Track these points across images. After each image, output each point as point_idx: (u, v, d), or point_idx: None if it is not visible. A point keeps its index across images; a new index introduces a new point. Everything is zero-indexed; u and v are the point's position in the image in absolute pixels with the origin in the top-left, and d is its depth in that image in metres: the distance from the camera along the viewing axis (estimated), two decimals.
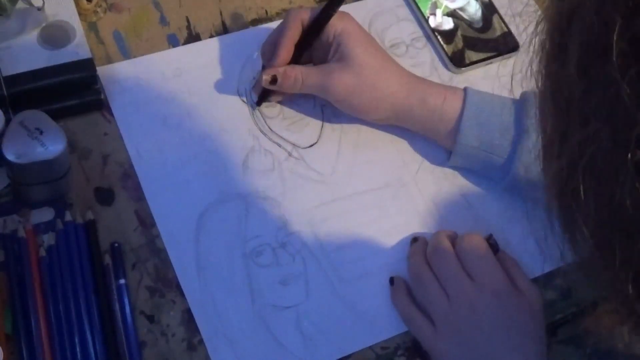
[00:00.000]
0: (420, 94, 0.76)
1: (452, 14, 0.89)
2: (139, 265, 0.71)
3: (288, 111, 0.81)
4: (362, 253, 0.75)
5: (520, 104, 0.76)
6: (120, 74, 0.80)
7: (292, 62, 0.77)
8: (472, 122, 0.75)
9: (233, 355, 0.69)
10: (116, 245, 0.71)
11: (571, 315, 0.77)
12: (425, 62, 0.86)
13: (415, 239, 0.75)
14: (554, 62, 0.39)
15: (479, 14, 0.89)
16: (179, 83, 0.81)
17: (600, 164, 0.35)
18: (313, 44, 0.78)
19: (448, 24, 0.88)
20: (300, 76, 0.76)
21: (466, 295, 0.68)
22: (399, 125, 0.80)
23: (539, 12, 0.42)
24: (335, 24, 0.76)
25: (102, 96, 0.78)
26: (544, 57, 0.40)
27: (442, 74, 0.86)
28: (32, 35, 0.76)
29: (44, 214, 0.72)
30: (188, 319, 0.70)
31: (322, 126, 0.81)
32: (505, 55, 0.88)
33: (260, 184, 0.77)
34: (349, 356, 0.71)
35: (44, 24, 0.77)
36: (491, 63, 0.87)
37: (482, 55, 0.87)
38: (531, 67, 0.42)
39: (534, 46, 0.41)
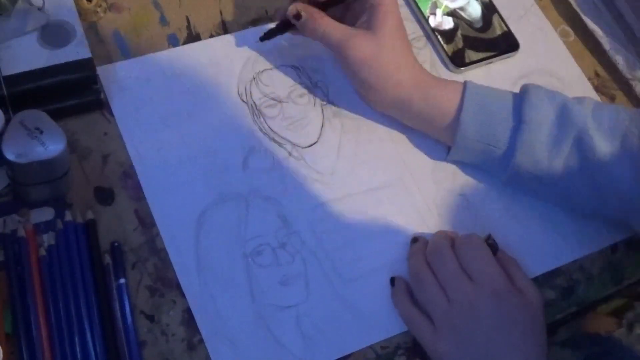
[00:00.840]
0: (425, 87, 0.77)
1: (452, 13, 0.89)
2: (139, 265, 0.71)
3: (288, 111, 0.81)
4: (362, 253, 0.75)
5: (519, 97, 0.76)
6: (120, 74, 0.80)
7: (323, 8, 0.78)
8: (471, 115, 0.75)
9: (233, 355, 0.69)
10: (116, 245, 0.71)
11: (571, 315, 0.77)
12: (425, 62, 0.86)
13: (415, 239, 0.75)
14: None
15: (479, 14, 0.89)
16: (179, 83, 0.81)
17: None
18: (348, 2, 0.78)
19: (448, 23, 0.88)
20: (324, 27, 0.76)
21: (465, 296, 0.68)
22: (397, 117, 0.80)
23: None
24: None
25: (102, 96, 0.78)
26: None
27: (442, 74, 0.86)
28: (32, 35, 0.76)
29: (44, 214, 0.72)
30: (188, 319, 0.70)
31: (322, 126, 0.81)
32: (505, 55, 0.88)
33: (260, 184, 0.77)
34: (349, 356, 0.71)
35: (44, 24, 0.77)
36: (491, 63, 0.87)
37: (482, 55, 0.87)
38: None
39: None
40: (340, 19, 0.79)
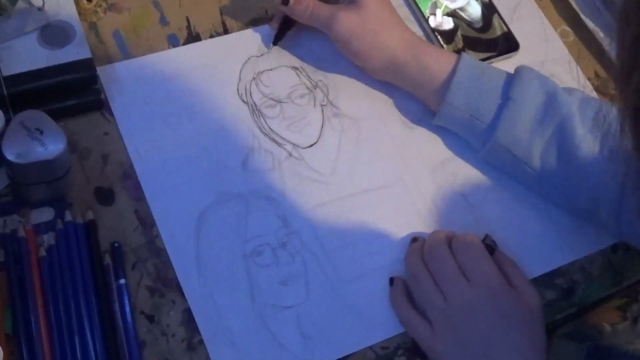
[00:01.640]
0: (417, 51, 0.79)
1: (452, 14, 0.89)
2: (139, 265, 0.71)
3: (288, 111, 0.81)
4: (362, 253, 0.75)
5: (512, 76, 0.78)
6: (120, 74, 0.80)
7: None
8: (461, 84, 0.77)
9: (233, 355, 0.68)
10: (116, 245, 0.71)
11: (571, 315, 0.77)
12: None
13: (415, 239, 0.75)
14: None
15: (479, 14, 0.89)
16: (179, 83, 0.81)
17: None
18: None
19: (448, 24, 0.88)
20: (311, 5, 0.80)
21: (462, 295, 0.68)
22: (391, 81, 0.82)
23: None
24: None
25: (102, 96, 0.78)
26: None
27: None
28: (32, 35, 0.76)
29: (44, 214, 0.72)
30: (188, 319, 0.70)
31: (322, 126, 0.81)
32: (505, 55, 0.88)
33: (260, 183, 0.77)
34: (349, 356, 0.71)
35: (44, 24, 0.77)
36: (491, 63, 0.87)
37: (482, 55, 0.87)
38: None
39: None
40: (326, 1, 0.81)
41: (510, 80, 0.77)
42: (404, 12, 0.89)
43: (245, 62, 0.83)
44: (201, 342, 0.69)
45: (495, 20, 0.89)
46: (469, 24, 0.89)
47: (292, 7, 0.81)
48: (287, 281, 0.73)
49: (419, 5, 0.89)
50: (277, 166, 0.78)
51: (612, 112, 0.75)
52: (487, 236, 0.75)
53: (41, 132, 0.67)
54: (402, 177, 0.80)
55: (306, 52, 0.84)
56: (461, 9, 0.90)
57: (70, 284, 0.68)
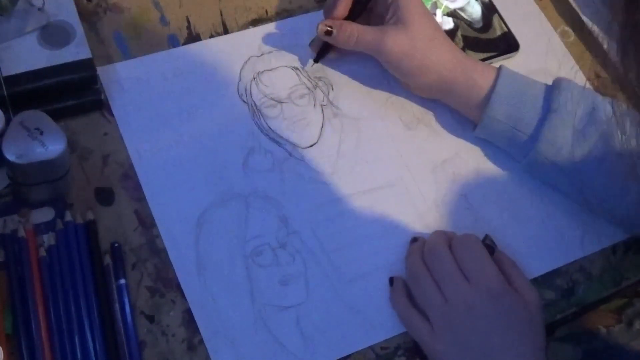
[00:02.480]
0: (465, 68, 0.78)
1: (452, 14, 0.89)
2: (139, 265, 0.71)
3: (288, 111, 0.81)
4: (362, 253, 0.75)
5: (551, 87, 0.78)
6: (120, 74, 0.80)
7: (350, 19, 0.80)
8: (502, 96, 0.77)
9: (233, 355, 0.69)
10: (116, 245, 0.71)
11: (571, 315, 0.77)
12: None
13: (415, 239, 0.75)
14: None
15: (479, 14, 0.89)
16: (179, 83, 0.81)
17: None
18: (372, 5, 0.81)
19: (448, 24, 0.88)
20: (356, 32, 0.79)
21: (462, 296, 0.68)
22: (438, 98, 0.82)
23: None
24: None
25: (102, 96, 0.78)
26: None
27: None
28: (32, 35, 0.76)
29: (44, 214, 0.72)
30: (188, 319, 0.70)
31: (322, 126, 0.81)
32: (505, 55, 0.88)
33: (260, 184, 0.77)
34: (349, 356, 0.71)
35: (44, 24, 0.77)
36: (491, 63, 0.87)
37: (482, 55, 0.87)
38: None
39: None
40: (368, 24, 0.80)
41: (550, 91, 0.77)
42: None
43: (245, 62, 0.83)
44: (201, 342, 0.69)
45: (495, 20, 0.89)
46: (469, 24, 0.89)
47: (336, 36, 0.79)
48: (287, 281, 0.73)
49: None
50: (277, 166, 0.78)
51: None
52: (487, 236, 0.75)
53: (41, 132, 0.67)
54: (402, 177, 0.80)
55: (306, 52, 0.84)
56: (461, 9, 0.90)
57: (70, 284, 0.68)
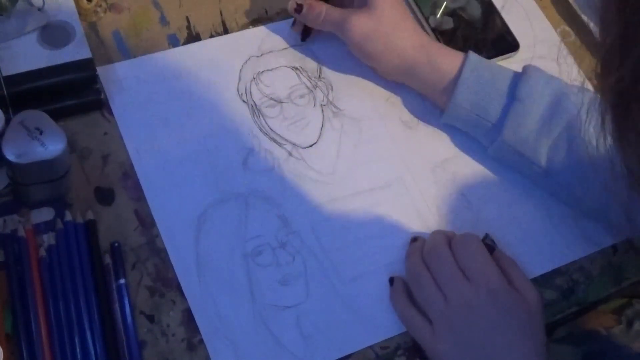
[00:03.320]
0: (429, 52, 0.79)
1: (452, 14, 0.89)
2: (139, 265, 0.71)
3: (288, 111, 0.81)
4: (362, 253, 0.75)
5: (519, 75, 0.78)
6: (120, 74, 0.80)
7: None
8: (467, 84, 0.77)
9: (233, 355, 0.69)
10: (116, 245, 0.71)
11: (571, 315, 0.77)
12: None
13: (415, 239, 0.75)
14: None
15: (479, 14, 0.89)
16: (179, 83, 0.81)
17: None
18: None
19: (448, 24, 0.88)
20: (324, 11, 0.80)
21: (462, 295, 0.68)
22: (403, 81, 0.82)
23: None
24: None
25: (102, 96, 0.78)
26: None
27: None
28: (32, 35, 0.76)
29: (44, 214, 0.72)
30: (188, 319, 0.70)
31: (322, 126, 0.81)
32: (505, 55, 0.88)
33: (260, 184, 0.77)
34: (349, 356, 0.71)
35: (44, 24, 0.77)
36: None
37: (482, 55, 0.87)
38: None
39: None
40: (339, 5, 0.82)
41: (517, 79, 0.77)
42: None
43: (245, 62, 0.83)
44: (201, 342, 0.69)
45: (495, 20, 0.89)
46: (469, 24, 0.89)
47: (305, 14, 0.81)
48: (287, 281, 0.73)
49: (419, 5, 0.89)
50: (277, 166, 0.78)
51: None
52: (487, 235, 0.75)
53: (41, 132, 0.67)
54: (402, 177, 0.80)
55: (306, 52, 0.84)
56: (461, 8, 0.90)
57: (70, 284, 0.68)
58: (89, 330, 0.67)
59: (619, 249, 0.80)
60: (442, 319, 0.68)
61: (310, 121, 0.81)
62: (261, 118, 0.80)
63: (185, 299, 0.70)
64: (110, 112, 0.78)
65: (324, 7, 0.81)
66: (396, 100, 0.84)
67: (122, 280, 0.69)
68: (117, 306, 0.69)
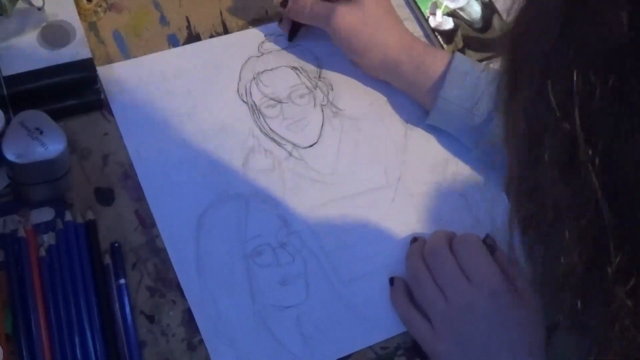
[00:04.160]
0: (412, 50, 0.79)
1: (452, 14, 0.89)
2: (139, 265, 0.71)
3: (288, 111, 0.81)
4: (362, 253, 0.75)
5: None
6: (120, 74, 0.80)
7: None
8: (456, 78, 0.77)
9: (233, 355, 0.69)
10: (116, 245, 0.71)
11: None
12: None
13: (415, 239, 0.75)
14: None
15: (479, 14, 0.89)
16: (179, 83, 0.81)
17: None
18: None
19: (448, 24, 0.88)
20: (309, 5, 0.80)
21: (463, 296, 0.68)
22: (386, 79, 0.82)
23: None
24: None
25: (102, 96, 0.78)
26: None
27: None
28: (32, 35, 0.76)
29: (44, 214, 0.72)
30: (188, 319, 0.70)
31: (322, 126, 0.81)
32: None
33: (260, 184, 0.77)
34: (349, 356, 0.71)
35: (44, 24, 0.77)
36: (491, 63, 0.87)
37: (482, 55, 0.87)
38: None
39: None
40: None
41: None
42: (404, 12, 0.89)
43: (245, 62, 0.83)
44: (201, 342, 0.69)
45: (495, 20, 0.89)
46: (469, 24, 0.89)
47: (291, 8, 0.81)
48: (287, 281, 0.73)
49: (419, 5, 0.89)
50: (277, 166, 0.78)
51: None
52: (487, 236, 0.75)
53: (41, 132, 0.67)
54: (402, 177, 0.80)
55: (306, 52, 0.84)
56: (461, 9, 0.90)
57: (70, 284, 0.68)
58: (89, 330, 0.67)
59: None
60: (443, 319, 0.68)
61: (310, 121, 0.81)
62: (261, 118, 0.80)
63: (185, 299, 0.70)
64: (110, 112, 0.78)
65: (310, 1, 0.80)
66: (396, 100, 0.84)
67: (122, 280, 0.69)
68: (117, 306, 0.69)
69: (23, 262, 0.68)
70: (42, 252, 0.69)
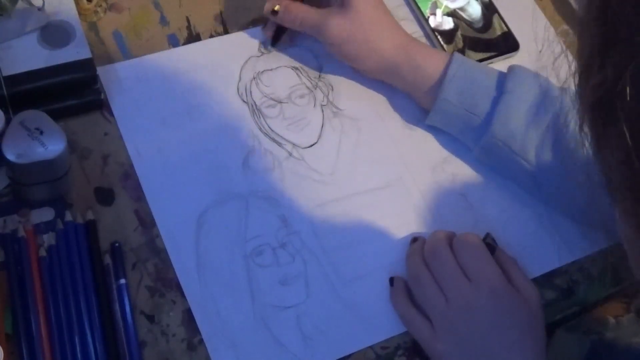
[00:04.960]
0: (409, 52, 0.79)
1: (452, 14, 0.89)
2: (139, 265, 0.71)
3: (288, 111, 0.81)
4: (362, 253, 0.75)
5: (504, 72, 0.78)
6: (120, 74, 0.80)
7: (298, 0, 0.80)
8: (454, 79, 0.77)
9: (233, 355, 0.69)
10: (116, 245, 0.71)
11: (572, 315, 0.77)
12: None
13: (415, 239, 0.75)
14: None
15: (479, 14, 0.89)
16: (179, 83, 0.81)
17: None
18: None
19: (448, 24, 0.88)
20: (301, 13, 0.79)
21: (463, 295, 0.68)
22: (386, 81, 0.82)
23: None
24: None
25: (102, 96, 0.78)
26: None
27: None
28: (32, 35, 0.76)
29: (44, 214, 0.72)
30: (188, 319, 0.70)
31: (322, 126, 0.81)
32: (505, 55, 0.88)
33: (260, 184, 0.77)
34: (349, 356, 0.71)
35: (44, 24, 0.77)
36: (491, 63, 0.87)
37: (482, 55, 0.87)
38: None
39: None
40: (316, 4, 0.81)
41: (504, 75, 0.77)
42: (404, 11, 0.89)
43: (245, 62, 0.83)
44: (201, 342, 0.69)
45: (495, 20, 0.89)
46: (469, 24, 0.89)
47: (282, 16, 0.80)
48: (287, 281, 0.73)
49: (419, 5, 0.89)
50: (277, 166, 0.78)
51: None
52: (487, 235, 0.75)
53: (41, 132, 0.67)
54: (402, 177, 0.80)
55: (306, 52, 0.84)
56: (461, 9, 0.90)
57: (70, 284, 0.68)
58: (89, 330, 0.67)
59: (613, 251, 0.80)
60: (443, 320, 0.68)
61: (310, 121, 0.81)
62: (261, 118, 0.80)
63: (185, 299, 0.70)
64: (110, 112, 0.78)
65: (301, 9, 0.80)
66: (396, 100, 0.84)
67: (122, 280, 0.69)
68: (117, 306, 0.69)
69: (23, 262, 0.68)
70: (42, 252, 0.69)
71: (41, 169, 0.68)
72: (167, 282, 0.71)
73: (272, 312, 0.71)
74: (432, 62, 0.78)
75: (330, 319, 0.72)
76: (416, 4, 0.89)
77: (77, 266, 0.69)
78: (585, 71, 0.44)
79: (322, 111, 0.82)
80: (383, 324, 0.72)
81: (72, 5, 0.79)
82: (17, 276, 0.68)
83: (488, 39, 0.88)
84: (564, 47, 0.53)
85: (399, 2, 0.90)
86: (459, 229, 0.76)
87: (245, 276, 0.72)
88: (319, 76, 0.84)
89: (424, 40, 0.88)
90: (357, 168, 0.80)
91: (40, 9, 0.77)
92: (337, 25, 0.78)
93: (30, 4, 0.76)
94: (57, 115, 0.71)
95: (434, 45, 0.88)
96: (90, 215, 0.72)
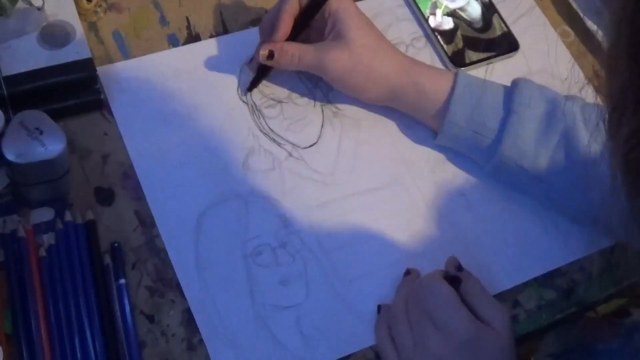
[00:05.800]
0: (414, 75, 0.77)
1: (452, 14, 0.89)
2: (139, 265, 0.71)
3: (288, 111, 0.81)
4: (362, 253, 0.75)
5: (510, 89, 0.77)
6: (120, 74, 0.80)
7: (289, 39, 0.78)
8: (461, 101, 0.76)
9: (233, 355, 0.69)
10: (116, 245, 0.71)
11: (572, 315, 0.77)
12: (425, 62, 0.86)
13: (408, 272, 0.73)
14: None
15: (479, 14, 0.90)
16: (179, 83, 0.81)
17: None
18: (311, 21, 0.78)
19: (448, 24, 0.88)
20: (297, 53, 0.77)
21: (429, 345, 0.65)
22: (391, 106, 0.81)
23: None
24: (330, 2, 0.77)
25: (102, 96, 0.78)
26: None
27: None
28: (32, 35, 0.76)
29: (44, 214, 0.72)
30: (188, 319, 0.70)
31: (322, 126, 0.81)
32: (505, 55, 0.88)
33: (260, 184, 0.77)
34: (349, 356, 0.71)
35: (44, 24, 0.77)
36: (491, 63, 0.87)
37: (482, 55, 0.87)
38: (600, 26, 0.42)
39: None
40: (309, 41, 0.79)
41: (510, 93, 0.76)
42: (404, 12, 0.89)
43: (245, 62, 0.83)
44: (201, 342, 0.69)
45: (495, 20, 0.89)
46: (469, 24, 0.89)
47: (278, 59, 0.77)
48: (287, 281, 0.73)
49: (419, 5, 0.89)
50: (277, 166, 0.78)
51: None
52: (450, 261, 0.72)
53: (41, 132, 0.67)
54: (402, 177, 0.80)
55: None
56: (461, 9, 0.90)
57: (70, 284, 0.68)
58: (89, 330, 0.67)
59: (615, 250, 0.80)
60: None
61: (310, 121, 0.81)
62: (261, 118, 0.80)
63: (185, 299, 0.70)
64: (110, 112, 0.78)
65: (297, 49, 0.77)
66: None
67: (122, 280, 0.69)
68: (117, 306, 0.69)
69: (23, 262, 0.68)
70: (42, 252, 0.69)
71: (41, 169, 0.68)
72: (166, 282, 0.71)
73: (272, 312, 0.71)
74: (437, 83, 0.77)
75: (330, 319, 0.72)
76: (416, 4, 0.89)
77: (77, 266, 0.69)
78: (611, 70, 0.41)
79: (322, 111, 0.82)
80: None
81: (72, 5, 0.79)
82: (17, 276, 0.68)
83: (488, 39, 0.88)
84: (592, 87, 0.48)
85: (399, 2, 0.90)
86: (459, 229, 0.76)
87: (245, 276, 0.72)
88: (319, 76, 0.84)
89: (423, 40, 0.88)
90: (357, 168, 0.80)
91: (40, 9, 0.77)
92: (336, 59, 0.76)
93: (30, 4, 0.76)
94: (57, 115, 0.71)
95: (434, 46, 0.88)
96: (90, 215, 0.72)
